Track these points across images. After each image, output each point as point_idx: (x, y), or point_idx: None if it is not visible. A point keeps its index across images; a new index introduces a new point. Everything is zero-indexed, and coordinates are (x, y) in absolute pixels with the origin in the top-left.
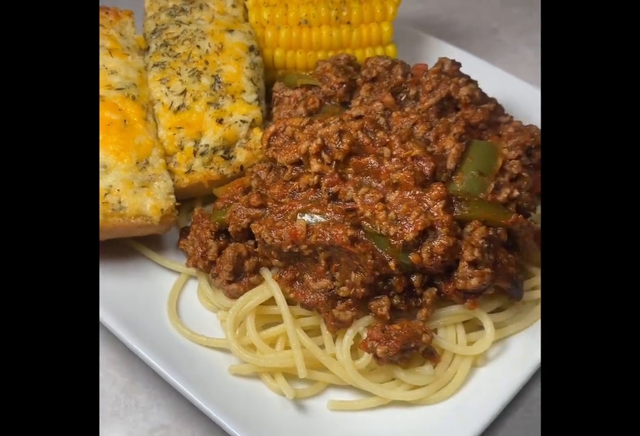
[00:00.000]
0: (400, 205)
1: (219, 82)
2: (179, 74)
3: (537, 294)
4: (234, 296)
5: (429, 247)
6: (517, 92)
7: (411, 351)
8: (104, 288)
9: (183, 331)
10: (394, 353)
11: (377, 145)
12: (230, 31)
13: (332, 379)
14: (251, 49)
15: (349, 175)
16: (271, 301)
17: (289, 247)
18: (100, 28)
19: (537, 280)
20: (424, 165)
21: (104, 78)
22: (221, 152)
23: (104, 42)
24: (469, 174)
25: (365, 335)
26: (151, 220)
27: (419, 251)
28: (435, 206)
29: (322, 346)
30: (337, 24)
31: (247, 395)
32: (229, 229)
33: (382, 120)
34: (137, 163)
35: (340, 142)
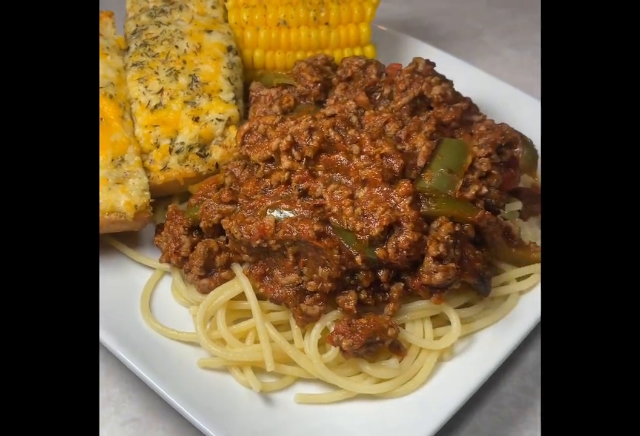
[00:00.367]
0: (368, 201)
1: (196, 81)
2: (156, 73)
3: (506, 290)
4: (206, 291)
5: (394, 242)
6: (493, 91)
7: (376, 345)
8: None
9: (154, 326)
10: (359, 347)
11: (348, 142)
12: (209, 32)
13: (300, 373)
14: (229, 49)
15: (319, 172)
16: (242, 296)
17: (257, 242)
18: None
19: (506, 277)
20: (393, 162)
21: None
22: (197, 150)
23: None
24: (437, 171)
25: (333, 329)
26: (125, 216)
27: (385, 246)
28: (402, 202)
29: (292, 341)
30: (316, 25)
31: (215, 389)
32: (201, 225)
33: (354, 119)
34: (113, 160)
35: (310, 139)
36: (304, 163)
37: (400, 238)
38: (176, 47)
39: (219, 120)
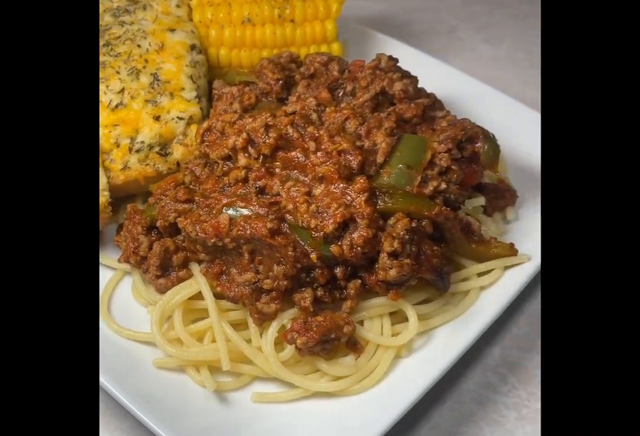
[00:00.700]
0: (324, 198)
1: (158, 80)
2: (118, 72)
3: (467, 286)
4: (163, 291)
5: (349, 239)
6: (463, 88)
7: (332, 343)
8: None
9: (112, 326)
10: (313, 344)
11: (307, 139)
12: (172, 30)
13: (258, 372)
14: (193, 47)
15: (277, 170)
16: (201, 295)
17: (212, 240)
18: None
19: (467, 272)
20: (351, 158)
21: None
22: (157, 149)
23: None
24: (396, 168)
25: None
26: None
27: (340, 243)
28: (358, 199)
29: (250, 340)
30: (281, 22)
31: (172, 389)
32: (158, 224)
33: (314, 116)
34: None
35: (266, 137)
36: (260, 160)
37: (355, 235)
38: (138, 46)
39: (180, 118)
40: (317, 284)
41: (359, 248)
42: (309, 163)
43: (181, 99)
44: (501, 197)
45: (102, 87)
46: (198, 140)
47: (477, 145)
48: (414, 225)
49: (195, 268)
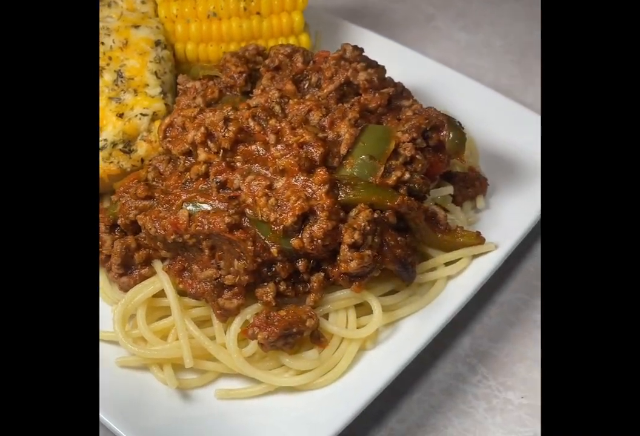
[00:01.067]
0: (285, 191)
1: (122, 77)
2: None
3: (434, 276)
4: (126, 289)
5: (309, 232)
6: (432, 76)
7: (294, 337)
8: None
9: None
10: (274, 339)
11: (269, 132)
12: (137, 27)
13: (222, 368)
14: (157, 43)
15: (238, 164)
16: (164, 293)
17: (172, 237)
18: None
19: (434, 262)
20: (313, 150)
21: None
22: (121, 146)
23: None
24: (359, 159)
25: None
26: None
27: (300, 236)
28: (319, 191)
29: (214, 337)
30: (247, 15)
31: (135, 387)
32: (119, 222)
33: (277, 108)
34: None
35: (226, 130)
36: (221, 155)
37: (315, 227)
38: (102, 43)
39: (144, 115)
40: (279, 278)
41: (319, 241)
42: (270, 157)
43: (145, 95)
44: (471, 186)
45: None
46: (160, 136)
47: (442, 133)
48: (376, 216)
49: (157, 265)
